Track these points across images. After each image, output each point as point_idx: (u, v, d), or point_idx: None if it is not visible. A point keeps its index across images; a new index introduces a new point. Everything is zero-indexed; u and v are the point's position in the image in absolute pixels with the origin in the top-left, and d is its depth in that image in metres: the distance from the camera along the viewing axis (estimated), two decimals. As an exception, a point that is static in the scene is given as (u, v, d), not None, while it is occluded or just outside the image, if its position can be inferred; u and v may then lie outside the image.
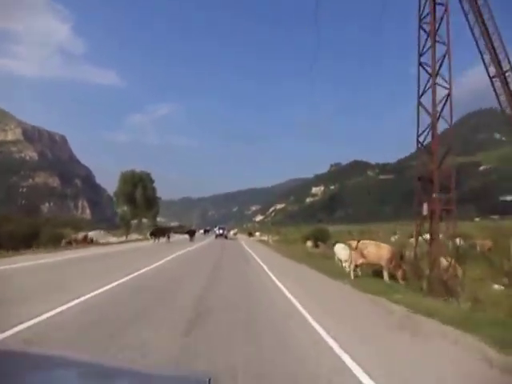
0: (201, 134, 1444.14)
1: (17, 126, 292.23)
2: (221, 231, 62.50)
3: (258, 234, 63.30)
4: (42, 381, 1.46)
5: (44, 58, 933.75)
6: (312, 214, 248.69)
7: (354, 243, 13.89)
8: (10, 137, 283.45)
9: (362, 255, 13.19)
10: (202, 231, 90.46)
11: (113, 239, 52.72)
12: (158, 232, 38.52)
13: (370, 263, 13.29)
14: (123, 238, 55.22)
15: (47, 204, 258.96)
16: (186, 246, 30.53)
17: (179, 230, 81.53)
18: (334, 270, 14.75)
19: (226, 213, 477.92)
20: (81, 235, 30.50)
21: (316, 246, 28.67)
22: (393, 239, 39.80)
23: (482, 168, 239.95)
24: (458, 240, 15.91)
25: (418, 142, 14.16)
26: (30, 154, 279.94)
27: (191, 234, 45.03)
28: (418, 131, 14.07)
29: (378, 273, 13.40)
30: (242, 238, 56.79)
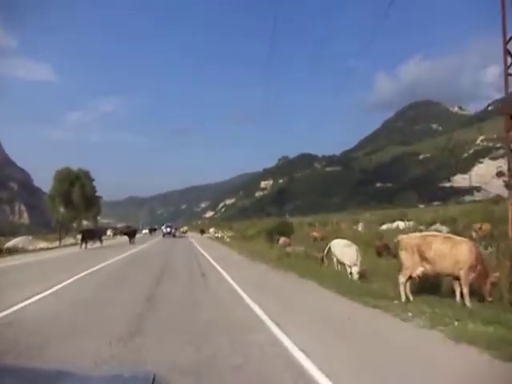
0: (145, 132, 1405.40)
1: None
2: (168, 229, 57.43)
3: (212, 230, 56.49)
4: None
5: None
6: (262, 207, 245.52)
7: (409, 239, 7.91)
8: None
9: (424, 258, 7.53)
10: (146, 231, 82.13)
11: (43, 245, 45.61)
12: (88, 234, 30.77)
13: (438, 272, 7.51)
14: (56, 244, 48.06)
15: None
16: (122, 250, 24.68)
17: (126, 230, 73.95)
18: (353, 286, 9.09)
19: (175, 210, 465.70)
20: None
21: (277, 241, 23.70)
22: (360, 229, 35.79)
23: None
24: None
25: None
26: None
27: (130, 234, 37.13)
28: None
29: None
30: (194, 237, 50.88)
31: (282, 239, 21.56)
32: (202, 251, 23.45)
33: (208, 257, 19.38)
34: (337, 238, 13.68)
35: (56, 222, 71.32)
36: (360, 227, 37.12)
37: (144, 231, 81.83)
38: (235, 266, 15.31)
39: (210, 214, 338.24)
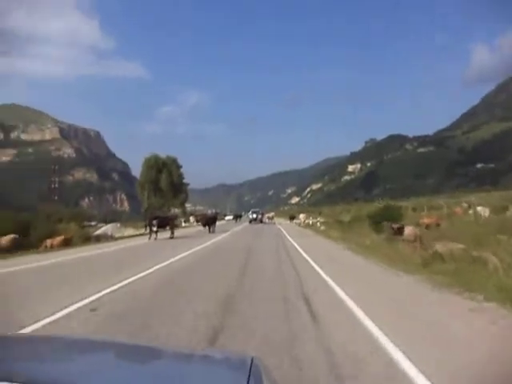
0: (230, 120, 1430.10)
1: (53, 125, 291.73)
2: (254, 215, 54.31)
3: (302, 216, 49.51)
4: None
5: (74, 56, 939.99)
6: (349, 192, 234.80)
7: None
8: (47, 136, 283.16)
9: None
10: (229, 217, 77.06)
11: (130, 231, 44.09)
12: (157, 222, 24.02)
13: None
14: (143, 230, 46.35)
15: (86, 199, 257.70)
16: (196, 242, 19.28)
17: (200, 217, 71.71)
18: None
19: (262, 197, 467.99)
20: (59, 238, 20.81)
21: (398, 231, 17.42)
22: (485, 214, 28.20)
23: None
24: None
25: None
26: (67, 151, 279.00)
27: (209, 222, 30.50)
28: None
29: None
30: (282, 224, 45.85)
31: (409, 229, 15.29)
32: (297, 246, 17.20)
33: (306, 256, 13.25)
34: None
35: (145, 209, 71.37)
36: (484, 211, 29.34)
37: (227, 217, 77.25)
38: (359, 276, 9.32)
39: (295, 199, 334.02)
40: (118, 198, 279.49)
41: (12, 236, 18.76)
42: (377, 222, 23.58)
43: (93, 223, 66.37)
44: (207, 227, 29.99)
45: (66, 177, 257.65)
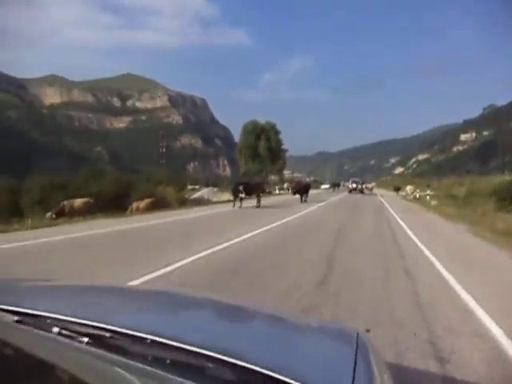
0: (333, 87, 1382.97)
1: (164, 93, 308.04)
2: (354, 185, 50.76)
3: (409, 188, 43.34)
4: None
5: (182, 27, 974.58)
6: (460, 164, 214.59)
7: None
8: (158, 104, 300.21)
9: None
10: (326, 185, 73.92)
11: (225, 196, 43.90)
12: (243, 188, 21.67)
13: None
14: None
15: (192, 164, 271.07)
16: (282, 214, 16.68)
17: (292, 185, 69.21)
18: None
19: (363, 166, 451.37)
20: (147, 201, 20.15)
21: None
22: None
23: None
24: None
25: None
26: (176, 118, 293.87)
27: (301, 190, 27.88)
28: None
29: None
30: (384, 196, 41.37)
31: None
32: (405, 227, 13.26)
33: (420, 243, 9.58)
34: None
35: (243, 174, 71.38)
36: None
37: (323, 186, 73.88)
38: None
39: (399, 169, 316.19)
40: (221, 164, 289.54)
41: (86, 199, 18.21)
42: (504, 198, 19.47)
43: (197, 187, 68.42)
44: (299, 196, 27.58)
45: (173, 142, 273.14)
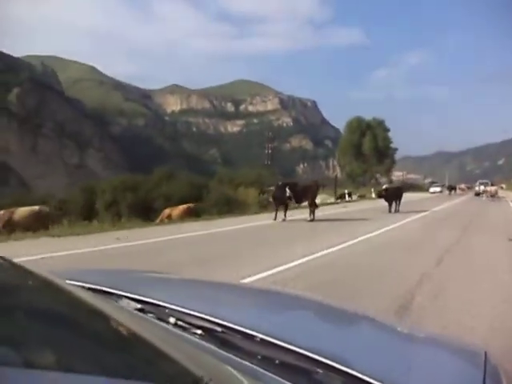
0: (454, 83, 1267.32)
1: (274, 96, 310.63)
2: (482, 187, 44.80)
3: None
4: None
5: (293, 31, 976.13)
6: None
7: None
8: (269, 107, 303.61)
9: None
10: (436, 189, 59.09)
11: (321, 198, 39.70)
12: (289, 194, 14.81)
13: None
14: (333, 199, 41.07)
15: (301, 165, 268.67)
16: (337, 235, 10.53)
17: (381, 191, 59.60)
18: None
19: (490, 166, 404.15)
20: (181, 207, 16.61)
21: None
22: None
23: None
24: None
25: None
26: (286, 120, 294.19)
27: (389, 196, 20.01)
28: None
29: None
30: None
31: None
32: None
33: None
34: None
35: (347, 175, 65.71)
36: None
37: (433, 189, 59.63)
38: None
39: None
40: (331, 165, 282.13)
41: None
42: None
43: None
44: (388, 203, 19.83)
45: (283, 144, 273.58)
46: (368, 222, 14.45)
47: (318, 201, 17.39)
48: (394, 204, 19.81)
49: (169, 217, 15.46)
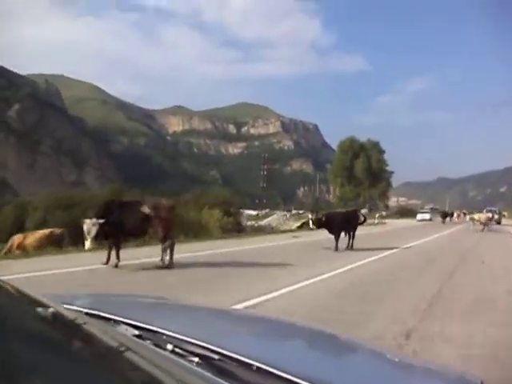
0: (458, 109, 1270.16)
1: (276, 119, 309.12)
2: (489, 215, 37.78)
3: None
4: None
5: (297, 56, 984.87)
6: None
7: None
8: (271, 130, 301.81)
9: None
10: (425, 216, 49.53)
11: (296, 224, 35.04)
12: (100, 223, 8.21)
13: None
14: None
15: (302, 189, 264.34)
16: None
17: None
18: None
19: (492, 193, 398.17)
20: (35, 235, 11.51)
21: None
22: None
23: None
24: None
25: None
26: (287, 143, 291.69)
27: (336, 226, 13.48)
28: None
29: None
30: None
31: None
32: None
33: None
34: None
35: (339, 199, 60.99)
36: None
37: (420, 216, 50.47)
38: None
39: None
40: (331, 189, 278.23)
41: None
42: None
43: (296, 211, 60.24)
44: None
45: (284, 168, 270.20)
46: (286, 271, 8.93)
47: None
48: (347, 237, 13.94)
49: (19, 246, 10.79)
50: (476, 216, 31.63)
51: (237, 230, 26.58)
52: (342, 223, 13.65)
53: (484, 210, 43.55)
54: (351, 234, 13.85)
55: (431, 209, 61.29)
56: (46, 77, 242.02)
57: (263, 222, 31.71)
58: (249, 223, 34.17)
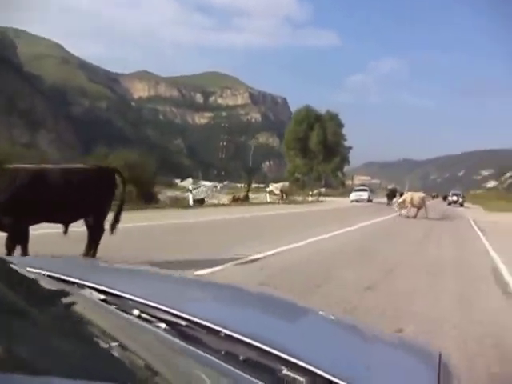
0: (426, 93, 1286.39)
1: (245, 90, 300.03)
2: (455, 198, 46.63)
3: None
4: None
5: (271, 28, 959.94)
6: None
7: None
8: (239, 101, 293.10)
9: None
10: (361, 194, 40.95)
11: (225, 199, 30.32)
12: None
13: None
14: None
15: (267, 163, 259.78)
16: None
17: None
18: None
19: (450, 177, 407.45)
20: None
21: None
22: None
23: None
24: None
25: None
26: (255, 115, 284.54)
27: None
28: None
29: None
30: (479, 215, 23.57)
31: None
32: None
33: None
34: None
35: (289, 173, 56.46)
36: None
37: (355, 195, 41.09)
38: None
39: (492, 183, 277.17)
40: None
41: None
42: None
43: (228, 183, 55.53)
44: None
45: (250, 140, 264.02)
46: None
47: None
48: None
49: None
50: (408, 196, 21.09)
51: (146, 201, 22.06)
52: None
53: (450, 193, 49.86)
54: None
55: (390, 190, 56.68)
56: (2, 29, 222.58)
57: (186, 195, 26.79)
58: (172, 194, 29.06)
